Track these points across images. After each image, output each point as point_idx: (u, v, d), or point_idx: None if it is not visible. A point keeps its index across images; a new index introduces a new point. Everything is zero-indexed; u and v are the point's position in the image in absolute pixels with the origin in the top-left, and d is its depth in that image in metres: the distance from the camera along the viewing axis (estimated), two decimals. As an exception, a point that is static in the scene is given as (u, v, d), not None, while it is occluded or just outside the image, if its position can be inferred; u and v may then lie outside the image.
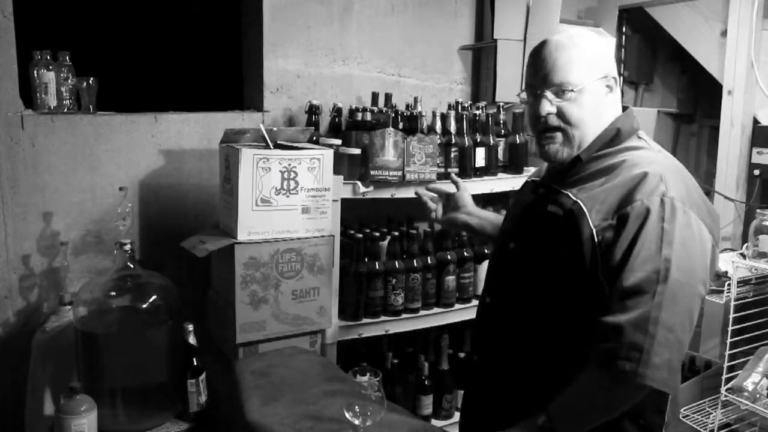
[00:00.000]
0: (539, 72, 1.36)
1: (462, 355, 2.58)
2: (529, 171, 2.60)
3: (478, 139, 2.45)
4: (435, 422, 2.46)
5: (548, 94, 1.34)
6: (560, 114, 1.35)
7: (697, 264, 1.23)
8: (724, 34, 2.90)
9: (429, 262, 2.40)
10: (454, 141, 2.39)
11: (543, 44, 1.38)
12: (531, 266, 1.39)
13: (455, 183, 1.85)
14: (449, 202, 1.82)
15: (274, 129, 2.14)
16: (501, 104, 2.71)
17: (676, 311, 1.18)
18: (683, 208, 1.23)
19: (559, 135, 1.37)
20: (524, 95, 1.42)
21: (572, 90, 1.33)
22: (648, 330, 1.15)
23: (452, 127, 2.41)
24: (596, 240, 1.25)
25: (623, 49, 3.41)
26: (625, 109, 1.44)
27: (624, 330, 1.16)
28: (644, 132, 1.43)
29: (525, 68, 1.44)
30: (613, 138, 1.37)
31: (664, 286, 1.17)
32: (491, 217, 1.79)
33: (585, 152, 1.37)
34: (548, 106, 1.35)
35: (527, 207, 1.47)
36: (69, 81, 2.15)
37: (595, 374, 1.21)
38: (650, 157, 1.33)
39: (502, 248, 1.51)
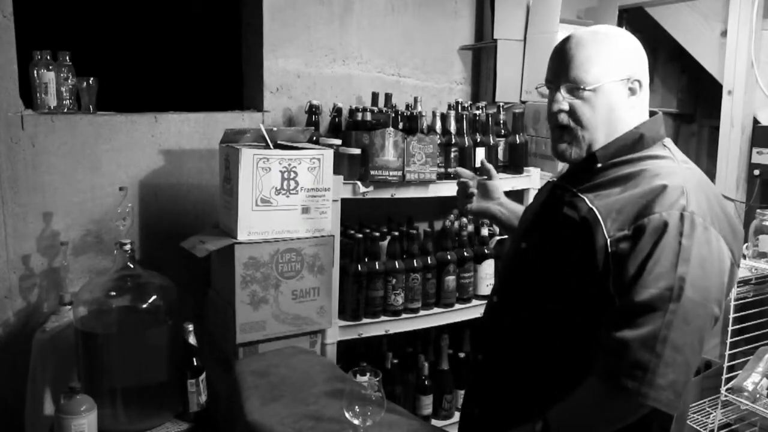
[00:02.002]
0: (557, 67, 1.32)
1: (462, 355, 2.58)
2: (529, 171, 2.60)
3: (478, 139, 2.45)
4: (435, 422, 2.46)
5: (562, 90, 1.31)
6: (572, 112, 1.31)
7: (713, 283, 1.18)
8: (724, 34, 2.90)
9: (429, 262, 2.40)
10: (454, 141, 2.39)
11: (566, 39, 1.33)
12: (541, 266, 1.36)
13: (488, 170, 1.77)
14: (483, 190, 1.76)
15: (274, 129, 2.14)
16: (501, 104, 2.71)
17: (687, 332, 1.14)
18: (704, 223, 1.18)
19: (568, 133, 1.33)
20: (544, 89, 1.38)
21: (586, 89, 1.29)
22: (655, 349, 1.12)
23: (452, 127, 2.41)
24: (610, 250, 1.20)
25: (623, 49, 3.40)
26: (653, 114, 1.38)
27: (630, 346, 1.13)
28: (670, 140, 1.37)
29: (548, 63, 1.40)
30: (636, 143, 1.32)
31: (676, 305, 1.13)
32: (519, 210, 1.73)
33: (602, 155, 1.32)
34: (560, 103, 1.31)
35: (543, 207, 1.44)
36: (69, 81, 2.15)
37: (596, 388, 1.18)
38: (672, 168, 1.27)
39: (515, 248, 1.48)
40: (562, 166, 1.56)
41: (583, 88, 1.29)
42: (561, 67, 1.31)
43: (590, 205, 1.26)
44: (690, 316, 1.14)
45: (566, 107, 1.31)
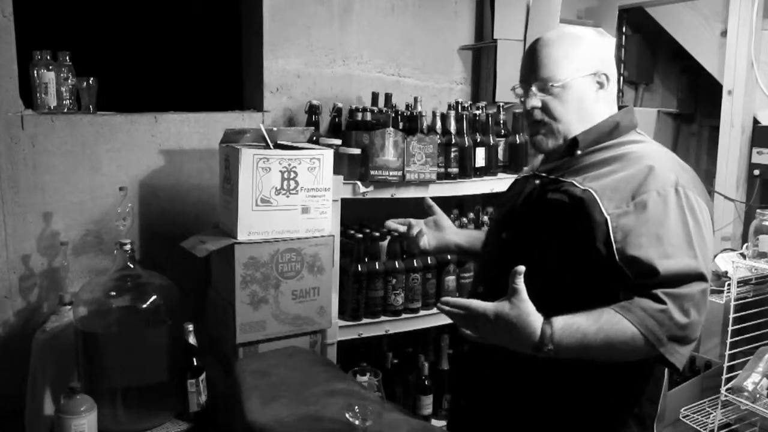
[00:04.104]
0: (528, 67, 1.43)
1: (462, 355, 2.58)
2: (529, 171, 2.61)
3: (478, 139, 2.45)
4: (435, 422, 2.46)
5: (534, 88, 1.41)
6: (544, 108, 1.41)
7: (710, 250, 1.30)
8: (724, 34, 2.90)
9: (429, 262, 2.40)
10: (454, 141, 2.39)
11: (536, 41, 1.45)
12: (530, 253, 1.38)
13: (430, 206, 1.81)
14: (434, 226, 1.79)
15: (274, 129, 2.14)
16: (501, 104, 2.71)
17: (706, 296, 1.25)
18: (694, 196, 1.29)
19: (543, 127, 1.43)
20: (519, 90, 1.47)
21: (555, 85, 1.38)
22: (684, 308, 1.20)
23: (452, 127, 2.41)
24: (611, 225, 1.27)
25: (623, 49, 3.40)
26: (623, 107, 1.48)
27: (667, 303, 1.20)
28: (641, 130, 1.47)
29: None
30: (612, 130, 1.42)
31: (698, 271, 1.23)
32: (475, 233, 1.81)
33: (583, 141, 1.40)
34: (533, 99, 1.41)
35: (524, 197, 1.48)
36: (69, 81, 2.15)
37: (628, 327, 1.20)
38: (654, 150, 1.38)
39: (495, 238, 1.53)
40: (535, 164, 1.62)
41: (552, 85, 1.39)
42: (532, 67, 1.42)
43: (583, 187, 1.32)
44: (705, 280, 1.25)
45: (539, 104, 1.41)
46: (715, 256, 2.53)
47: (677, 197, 1.27)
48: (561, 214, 1.34)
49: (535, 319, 1.21)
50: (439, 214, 1.80)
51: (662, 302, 1.19)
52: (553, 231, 1.36)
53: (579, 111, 1.41)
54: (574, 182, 1.34)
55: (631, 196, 1.28)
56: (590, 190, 1.31)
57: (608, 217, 1.27)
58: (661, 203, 1.26)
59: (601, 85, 1.42)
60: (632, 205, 1.27)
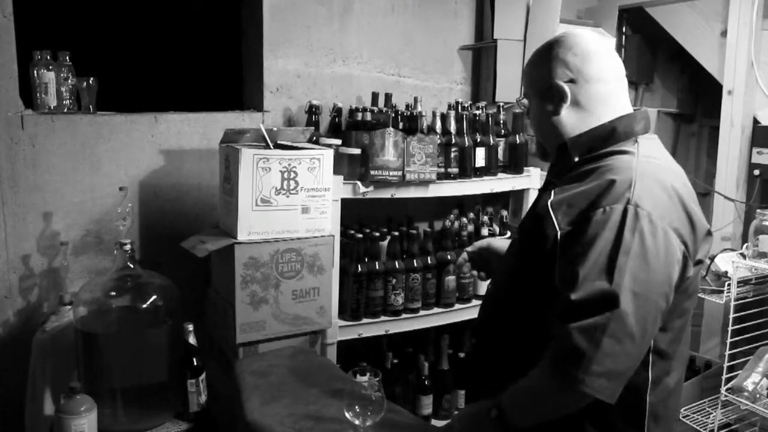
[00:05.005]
0: None
1: (462, 355, 2.58)
2: (529, 171, 2.61)
3: (478, 139, 2.45)
4: (435, 422, 2.46)
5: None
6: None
7: (657, 276, 1.18)
8: (724, 34, 2.90)
9: (429, 262, 2.40)
10: (454, 141, 2.39)
11: None
12: (517, 256, 1.42)
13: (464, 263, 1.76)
14: (491, 254, 1.72)
15: (274, 129, 2.14)
16: (501, 104, 2.71)
17: (627, 323, 1.14)
18: (649, 216, 1.18)
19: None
20: None
21: (519, 101, 1.49)
22: (594, 337, 1.13)
23: (452, 127, 2.41)
24: (559, 242, 1.23)
25: (623, 49, 3.41)
26: (637, 110, 1.39)
27: (572, 335, 1.15)
28: (648, 137, 1.36)
29: None
30: (608, 137, 1.33)
31: (617, 297, 1.14)
32: None
33: (573, 147, 1.35)
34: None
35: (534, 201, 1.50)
36: (69, 81, 2.15)
37: (542, 372, 1.21)
38: (628, 163, 1.26)
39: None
40: None
41: (517, 101, 1.49)
42: None
43: (549, 198, 1.29)
44: (630, 308, 1.14)
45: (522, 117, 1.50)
46: (714, 256, 2.53)
47: (622, 216, 1.17)
48: (534, 222, 1.31)
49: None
50: (486, 247, 1.70)
51: (569, 337, 1.14)
52: (528, 239, 1.35)
53: (539, 127, 1.42)
54: (552, 192, 1.29)
55: (582, 212, 1.22)
56: (549, 203, 1.27)
57: (559, 233, 1.23)
58: (602, 221, 1.18)
59: (561, 98, 1.33)
60: (578, 223, 1.21)
